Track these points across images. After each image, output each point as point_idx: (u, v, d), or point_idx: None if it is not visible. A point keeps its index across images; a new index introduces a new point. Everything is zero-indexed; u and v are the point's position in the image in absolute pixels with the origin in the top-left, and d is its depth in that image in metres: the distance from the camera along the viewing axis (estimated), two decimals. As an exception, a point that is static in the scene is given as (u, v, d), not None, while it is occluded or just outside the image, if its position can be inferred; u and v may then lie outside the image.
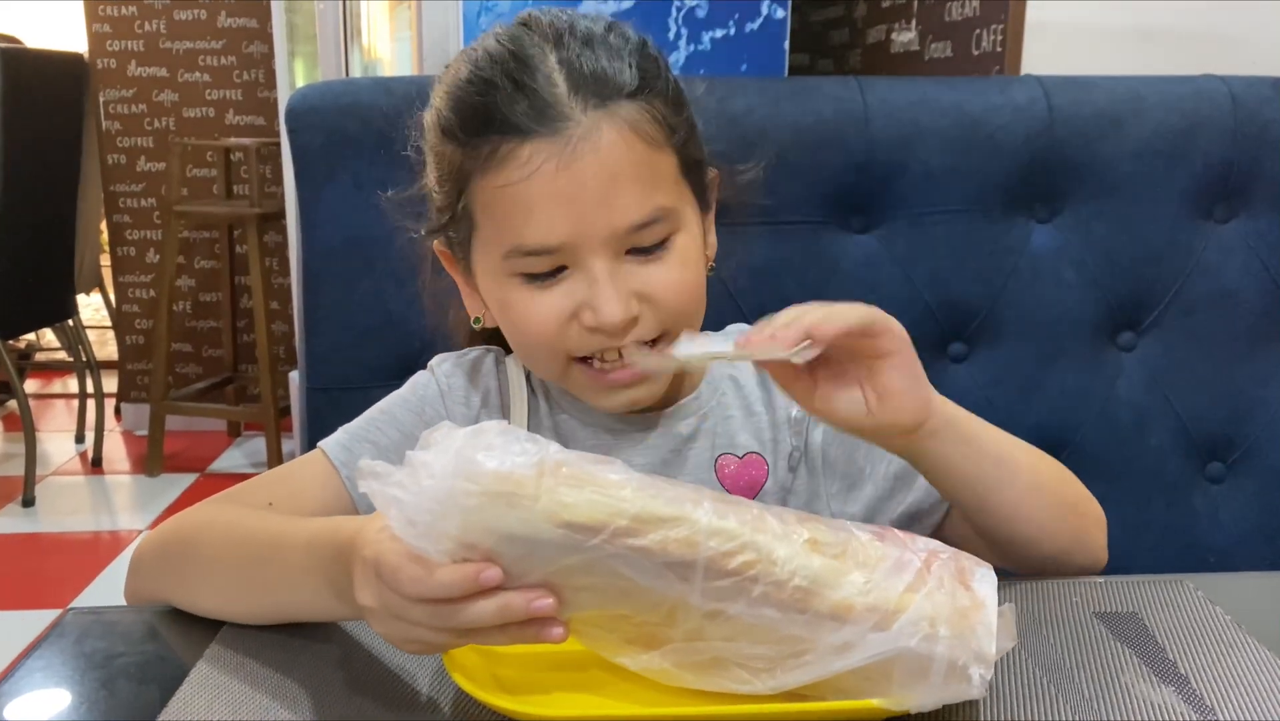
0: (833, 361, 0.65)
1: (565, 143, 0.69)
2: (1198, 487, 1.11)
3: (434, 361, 0.85)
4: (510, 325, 0.76)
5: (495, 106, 0.70)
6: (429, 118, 0.76)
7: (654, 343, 0.74)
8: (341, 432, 0.80)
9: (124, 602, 0.74)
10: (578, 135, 0.69)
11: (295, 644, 0.65)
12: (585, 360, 0.75)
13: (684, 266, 0.74)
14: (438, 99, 0.75)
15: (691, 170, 0.76)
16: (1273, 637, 0.64)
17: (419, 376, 0.84)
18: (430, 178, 0.78)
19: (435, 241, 0.81)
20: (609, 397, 0.76)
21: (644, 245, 0.72)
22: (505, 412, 0.82)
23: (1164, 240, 1.08)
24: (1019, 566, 0.74)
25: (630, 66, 0.71)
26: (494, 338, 0.85)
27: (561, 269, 0.72)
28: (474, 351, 0.85)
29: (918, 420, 0.67)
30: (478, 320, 0.81)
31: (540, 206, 0.70)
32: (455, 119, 0.73)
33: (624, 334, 0.72)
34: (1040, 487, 0.73)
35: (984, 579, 0.57)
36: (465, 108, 0.72)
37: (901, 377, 0.65)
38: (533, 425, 0.82)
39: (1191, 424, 1.10)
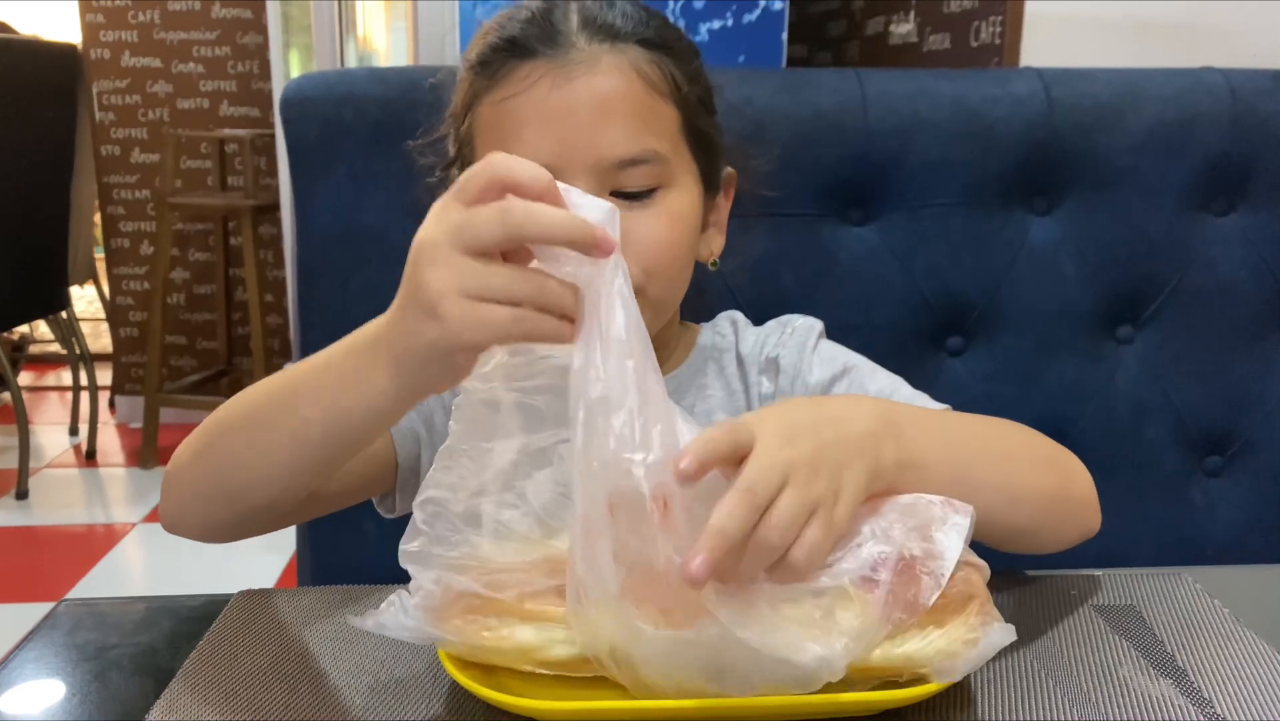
0: None
1: (564, 64, 0.71)
2: (1195, 481, 1.11)
3: None
4: None
5: (510, 34, 0.73)
6: (463, 60, 0.79)
7: None
8: None
9: (119, 594, 0.74)
10: (576, 59, 0.71)
11: (289, 636, 0.65)
12: None
13: (670, 226, 0.73)
14: (472, 43, 0.78)
15: (696, 138, 0.76)
16: (1271, 631, 0.64)
17: None
18: (449, 120, 0.80)
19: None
20: None
21: (630, 189, 0.72)
22: None
23: (1163, 233, 1.08)
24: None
25: (646, 25, 0.74)
26: None
27: None
28: None
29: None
30: None
31: (530, 122, 0.71)
32: (476, 51, 0.75)
33: None
34: (1017, 493, 0.67)
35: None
36: (486, 41, 0.75)
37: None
38: None
39: (1189, 417, 1.10)
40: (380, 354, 0.57)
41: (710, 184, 0.79)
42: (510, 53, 0.72)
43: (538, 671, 0.57)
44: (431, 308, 0.52)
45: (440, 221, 0.53)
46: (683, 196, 0.75)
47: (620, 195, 0.72)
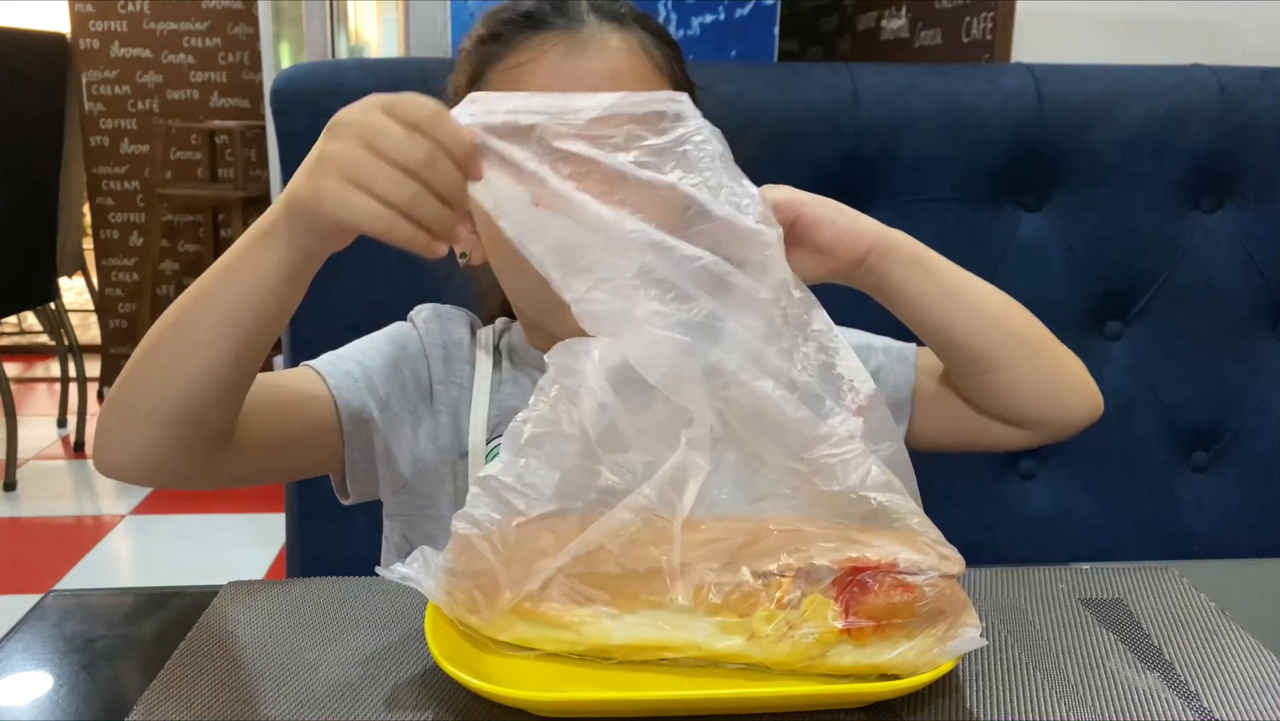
0: None
1: (575, 36, 0.73)
2: (1182, 476, 1.12)
3: (414, 311, 0.87)
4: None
5: (524, 9, 0.76)
6: (464, 43, 0.80)
7: None
8: (326, 355, 0.81)
9: (107, 585, 0.73)
10: (588, 33, 0.74)
11: (278, 628, 0.65)
12: None
13: None
14: (477, 26, 0.80)
15: None
16: (1256, 624, 0.65)
17: (399, 324, 0.86)
18: (452, 94, 0.80)
19: None
20: None
21: None
22: (471, 364, 0.83)
23: (1151, 229, 1.09)
24: (1010, 422, 0.78)
25: (647, 17, 0.78)
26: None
27: None
28: (453, 308, 0.87)
29: (860, 246, 0.72)
30: (464, 255, 0.82)
31: (541, 88, 0.72)
32: (486, 28, 0.78)
33: None
34: (1002, 324, 0.75)
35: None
36: (498, 17, 0.77)
37: (824, 213, 0.71)
38: (495, 381, 0.83)
39: (1176, 413, 1.10)
40: (279, 211, 0.61)
41: None
42: (523, 24, 0.75)
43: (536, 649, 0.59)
44: (316, 176, 0.57)
45: (365, 115, 0.56)
46: None
47: None
